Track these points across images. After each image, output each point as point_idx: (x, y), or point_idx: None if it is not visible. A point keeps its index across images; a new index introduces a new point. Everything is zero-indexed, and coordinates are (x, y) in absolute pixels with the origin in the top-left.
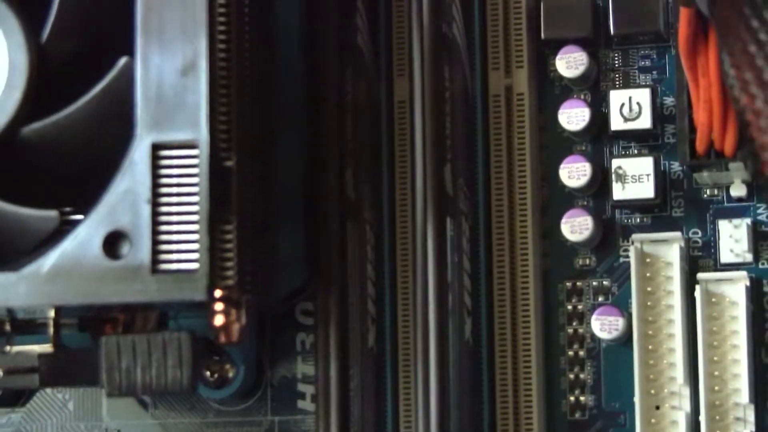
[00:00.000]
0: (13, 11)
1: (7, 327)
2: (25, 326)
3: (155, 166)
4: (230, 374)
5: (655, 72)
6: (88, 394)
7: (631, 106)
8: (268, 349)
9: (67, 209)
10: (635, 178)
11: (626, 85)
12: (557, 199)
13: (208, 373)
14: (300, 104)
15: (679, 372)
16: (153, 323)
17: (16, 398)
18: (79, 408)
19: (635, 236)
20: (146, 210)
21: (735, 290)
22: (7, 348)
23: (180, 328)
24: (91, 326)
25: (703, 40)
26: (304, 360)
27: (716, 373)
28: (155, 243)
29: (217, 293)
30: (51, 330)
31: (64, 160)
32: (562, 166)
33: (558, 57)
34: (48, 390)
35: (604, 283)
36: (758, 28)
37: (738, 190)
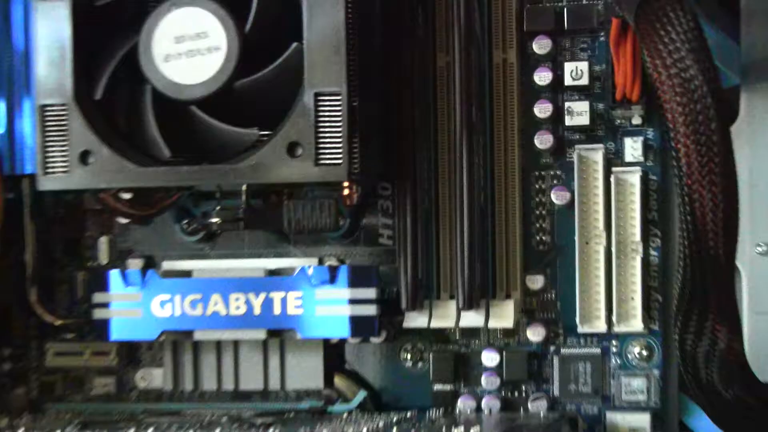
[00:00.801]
0: (230, 15)
1: (217, 194)
2: (228, 193)
3: (316, 107)
4: (341, 222)
5: (590, 51)
6: None
7: (576, 72)
8: (363, 208)
9: (261, 132)
10: (578, 113)
11: (573, 59)
12: (532, 126)
13: None
14: (380, 64)
15: (600, 223)
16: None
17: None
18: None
19: (577, 146)
20: (312, 129)
21: (634, 178)
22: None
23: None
24: (262, 195)
25: (624, 34)
26: (383, 215)
27: (621, 224)
28: (317, 148)
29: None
30: (243, 194)
31: (259, 101)
32: (535, 105)
33: (534, 42)
34: None
35: (558, 173)
36: (664, 35)
37: (636, 120)
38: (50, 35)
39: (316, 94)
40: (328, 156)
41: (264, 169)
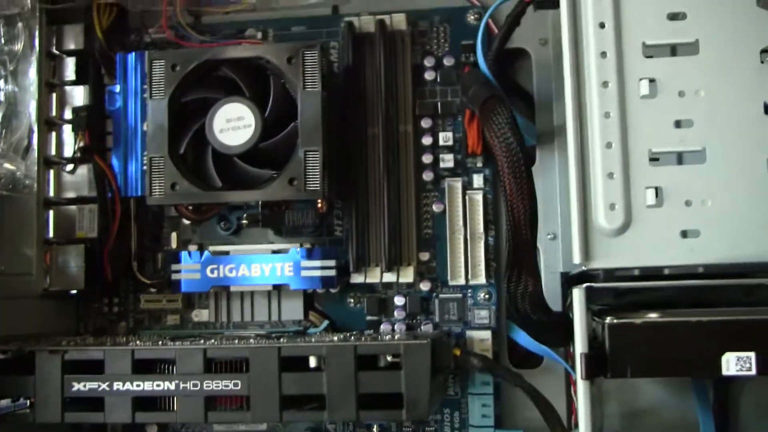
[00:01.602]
0: (257, 107)
1: (245, 207)
2: (250, 206)
3: (305, 157)
4: (316, 222)
5: (453, 126)
6: None
7: (446, 138)
8: (326, 214)
9: (273, 172)
10: (447, 161)
11: (444, 130)
12: (421, 167)
13: None
14: (338, 131)
15: (460, 222)
16: None
17: None
18: None
19: (447, 179)
20: (302, 169)
21: (479, 197)
22: None
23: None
24: (270, 207)
25: (472, 117)
26: (337, 218)
27: (472, 222)
28: (305, 180)
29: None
30: (260, 207)
31: (273, 155)
32: (423, 156)
33: (422, 120)
34: None
35: (436, 194)
36: (494, 120)
37: (479, 164)
38: (155, 117)
39: (305, 151)
40: (311, 185)
41: (275, 192)
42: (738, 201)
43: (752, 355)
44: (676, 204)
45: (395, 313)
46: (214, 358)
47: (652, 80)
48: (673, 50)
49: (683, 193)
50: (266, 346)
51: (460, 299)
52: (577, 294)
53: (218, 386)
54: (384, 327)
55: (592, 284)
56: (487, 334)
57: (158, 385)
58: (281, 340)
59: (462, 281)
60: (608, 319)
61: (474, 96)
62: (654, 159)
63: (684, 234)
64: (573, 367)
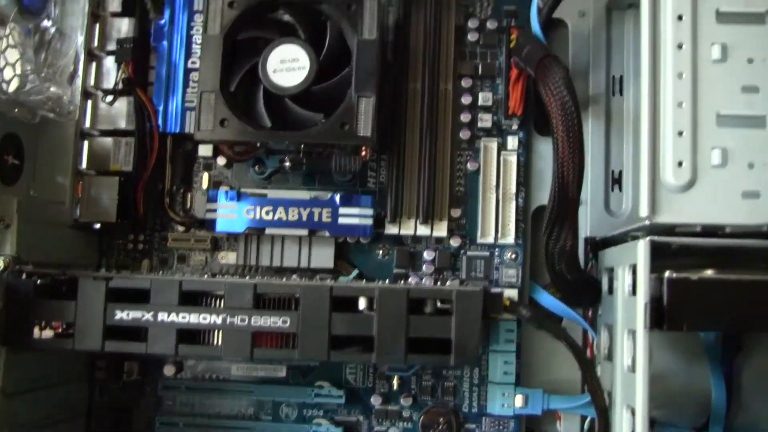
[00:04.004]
0: (312, 50)
1: (289, 149)
2: (291, 151)
3: (357, 103)
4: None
5: (492, 88)
6: None
7: (485, 98)
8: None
9: (323, 116)
10: (484, 120)
11: (483, 90)
12: (458, 126)
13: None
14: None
15: (493, 182)
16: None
17: None
18: None
19: (483, 139)
20: (353, 115)
21: (512, 158)
22: None
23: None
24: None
25: (517, 79)
26: (370, 170)
27: (504, 183)
28: (356, 126)
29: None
30: (302, 152)
31: (326, 98)
32: (461, 115)
33: (462, 80)
34: None
35: (471, 153)
36: (551, 78)
37: (515, 126)
38: (209, 53)
39: (358, 96)
40: (362, 131)
41: (326, 135)
42: None
43: None
44: (740, 165)
45: (423, 267)
46: (264, 294)
47: (723, 46)
48: (745, 18)
49: (746, 156)
50: (318, 285)
51: (487, 257)
52: (642, 246)
53: (266, 322)
54: (412, 279)
55: (656, 238)
56: (514, 293)
57: (204, 318)
58: (328, 281)
59: (491, 240)
60: (667, 274)
61: (529, 55)
62: (722, 120)
63: (745, 195)
64: (593, 327)
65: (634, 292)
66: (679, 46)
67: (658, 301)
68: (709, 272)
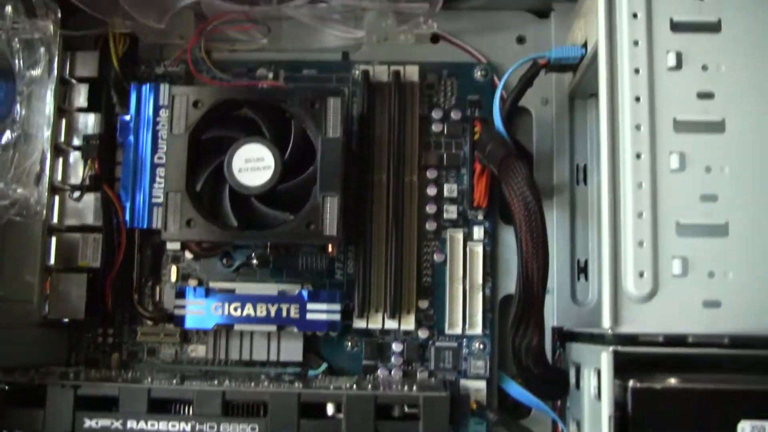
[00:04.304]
0: (277, 149)
1: (254, 247)
2: (258, 247)
3: (322, 202)
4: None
5: (456, 178)
6: None
7: (450, 189)
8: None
9: (289, 214)
10: (450, 212)
11: (448, 182)
12: (424, 218)
13: None
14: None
15: (460, 272)
16: None
17: None
18: None
19: (449, 230)
20: (319, 214)
21: (479, 248)
22: None
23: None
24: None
25: (481, 173)
26: (338, 262)
27: (471, 273)
28: (321, 225)
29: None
30: (269, 248)
31: (291, 198)
32: (426, 206)
33: (427, 171)
34: None
35: (437, 243)
36: (513, 177)
37: (480, 217)
38: (174, 153)
39: (323, 195)
40: (328, 229)
41: (291, 234)
42: (758, 274)
43: (767, 424)
44: (700, 274)
45: (392, 358)
46: (232, 400)
47: (681, 154)
48: (703, 127)
49: (707, 265)
50: (286, 391)
51: (455, 348)
52: (606, 357)
53: (235, 430)
54: (381, 372)
55: (619, 349)
56: (482, 384)
57: (173, 426)
58: (296, 384)
59: (459, 330)
60: (631, 383)
61: (492, 153)
62: (681, 230)
63: (706, 304)
64: (561, 418)
65: (599, 396)
66: (638, 156)
67: (622, 407)
68: (672, 381)
